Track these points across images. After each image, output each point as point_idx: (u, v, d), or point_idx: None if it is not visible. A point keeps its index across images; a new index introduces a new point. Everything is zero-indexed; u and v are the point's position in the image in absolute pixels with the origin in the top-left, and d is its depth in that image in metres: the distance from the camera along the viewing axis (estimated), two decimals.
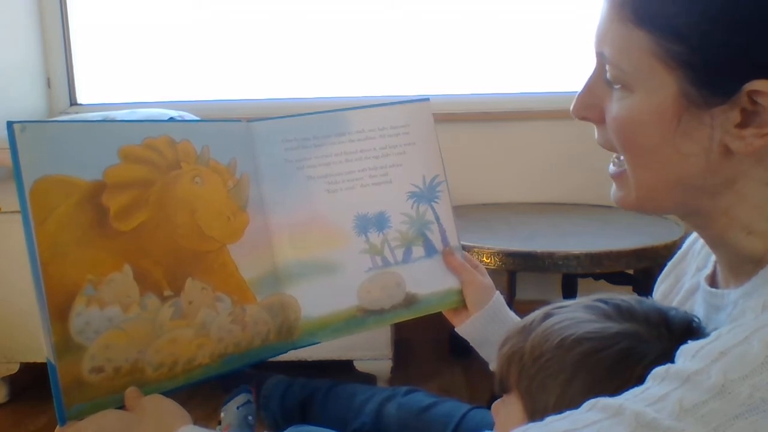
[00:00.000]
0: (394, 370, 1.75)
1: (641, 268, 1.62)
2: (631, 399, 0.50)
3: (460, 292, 0.92)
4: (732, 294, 0.59)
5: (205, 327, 0.78)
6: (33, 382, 1.76)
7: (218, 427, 0.91)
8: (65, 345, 0.69)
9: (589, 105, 0.61)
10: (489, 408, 0.71)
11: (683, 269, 0.75)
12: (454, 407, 0.95)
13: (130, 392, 0.72)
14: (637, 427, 0.47)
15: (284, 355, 0.87)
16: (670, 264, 0.78)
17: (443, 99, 2.07)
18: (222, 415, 0.92)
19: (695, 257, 0.73)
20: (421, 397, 0.98)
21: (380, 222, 0.90)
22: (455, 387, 1.80)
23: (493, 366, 0.79)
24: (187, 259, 0.77)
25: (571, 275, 1.89)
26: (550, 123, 2.04)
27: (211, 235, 0.79)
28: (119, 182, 0.73)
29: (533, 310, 0.67)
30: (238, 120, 0.86)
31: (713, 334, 0.51)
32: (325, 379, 1.08)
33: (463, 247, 0.95)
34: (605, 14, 0.58)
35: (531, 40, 2.08)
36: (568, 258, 1.47)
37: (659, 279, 0.79)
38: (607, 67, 0.58)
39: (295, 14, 2.12)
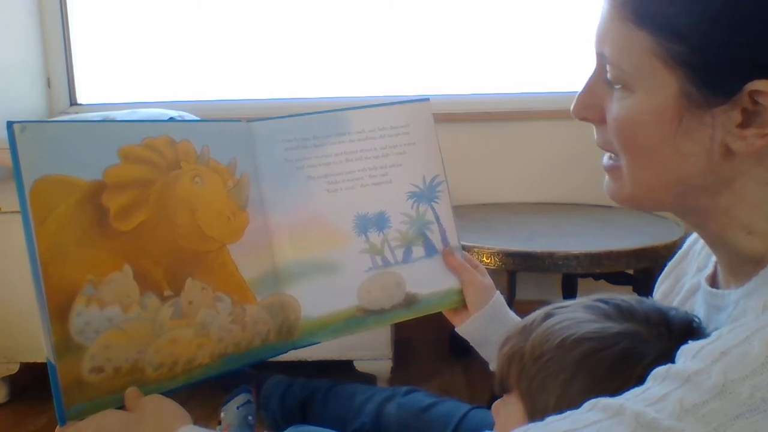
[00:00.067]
0: (394, 370, 1.75)
1: (641, 268, 1.62)
2: (632, 399, 0.50)
3: (460, 292, 0.92)
4: (732, 294, 0.59)
5: (205, 327, 0.78)
6: (33, 382, 1.76)
7: (218, 427, 0.91)
8: (65, 345, 0.69)
9: (590, 105, 0.61)
10: (489, 408, 0.71)
11: (684, 269, 0.75)
12: (454, 407, 0.95)
13: (130, 392, 0.72)
14: (637, 427, 0.47)
15: (284, 355, 0.87)
16: (670, 264, 0.78)
17: (443, 99, 2.07)
18: (222, 415, 0.92)
19: (696, 257, 0.73)
20: (421, 397, 0.98)
21: (380, 222, 0.90)
22: (455, 387, 1.80)
23: (493, 366, 0.79)
24: (187, 259, 0.77)
25: (571, 275, 1.89)
26: (550, 123, 2.04)
27: (211, 235, 0.79)
28: (119, 182, 0.73)
29: (533, 310, 0.67)
30: (238, 120, 0.86)
31: (714, 335, 0.51)
32: (325, 379, 1.08)
33: (463, 247, 0.95)
34: (605, 14, 0.58)
35: (531, 40, 2.08)
36: (568, 258, 1.47)
37: (659, 279, 0.79)
38: (608, 67, 0.58)
39: (295, 14, 2.12)
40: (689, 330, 0.60)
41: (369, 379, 1.74)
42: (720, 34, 0.52)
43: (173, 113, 1.75)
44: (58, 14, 2.15)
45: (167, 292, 0.75)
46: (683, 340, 0.54)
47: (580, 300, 0.66)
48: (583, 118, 0.63)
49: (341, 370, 1.68)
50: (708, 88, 0.53)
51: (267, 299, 0.84)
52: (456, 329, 0.94)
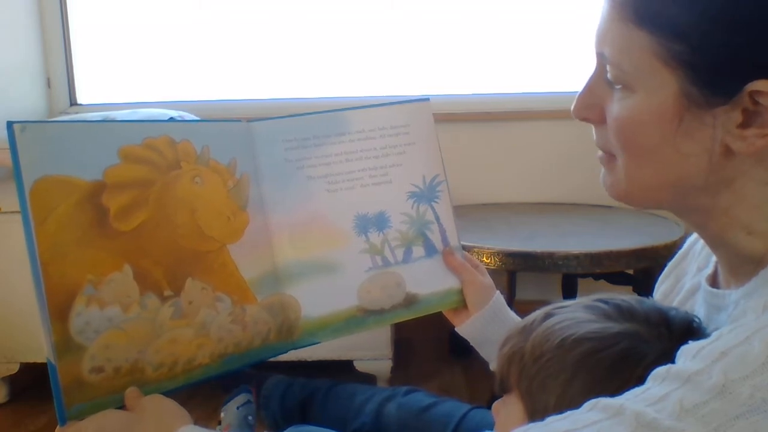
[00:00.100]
0: (394, 370, 1.75)
1: (641, 268, 1.62)
2: (632, 399, 0.50)
3: (461, 292, 0.92)
4: (733, 294, 0.59)
5: (205, 327, 0.78)
6: (33, 382, 1.76)
7: (218, 427, 0.91)
8: (65, 345, 0.69)
9: (590, 105, 0.61)
10: (489, 408, 0.71)
11: (684, 269, 0.75)
12: (454, 407, 0.95)
13: (130, 392, 0.72)
14: (637, 427, 0.47)
15: (284, 355, 0.87)
16: (670, 264, 0.78)
17: (443, 99, 2.07)
18: (222, 415, 0.92)
19: (696, 257, 0.73)
20: (421, 397, 0.98)
21: (380, 222, 0.90)
22: (455, 387, 1.80)
23: (493, 366, 0.79)
24: (187, 259, 0.77)
25: (571, 275, 1.89)
26: (550, 123, 2.04)
27: (211, 235, 0.79)
28: (119, 182, 0.73)
29: (533, 310, 0.67)
30: (238, 120, 0.86)
31: (714, 335, 0.51)
32: (325, 379, 1.08)
33: (463, 247, 0.95)
34: (606, 14, 0.58)
35: (531, 40, 2.08)
36: (568, 258, 1.47)
37: (660, 279, 0.79)
38: (608, 67, 0.58)
39: (295, 14, 2.12)
40: (689, 330, 0.60)
41: (369, 379, 1.74)
42: (720, 34, 0.52)
43: (173, 113, 1.75)
44: (58, 14, 2.15)
45: (167, 292, 0.75)
46: (683, 341, 0.53)
47: (580, 300, 0.66)
48: (584, 119, 0.63)
49: (341, 370, 1.68)
50: (708, 88, 0.53)
51: (267, 299, 0.84)
52: (456, 329, 0.94)
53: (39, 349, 0.71)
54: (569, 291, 1.93)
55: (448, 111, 2.01)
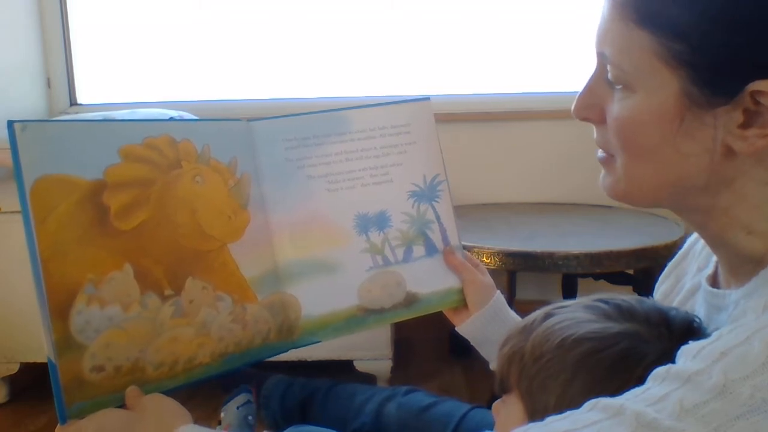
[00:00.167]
0: (394, 370, 1.75)
1: (641, 268, 1.62)
2: (632, 399, 0.50)
3: (461, 292, 0.92)
4: (733, 294, 0.59)
5: (206, 326, 0.78)
6: (33, 382, 1.76)
7: (218, 427, 0.91)
8: (66, 343, 0.69)
9: (590, 105, 0.61)
10: (489, 408, 0.71)
11: (684, 269, 0.75)
12: (454, 407, 0.95)
13: (131, 391, 0.72)
14: (637, 428, 0.47)
15: (284, 354, 0.87)
16: (670, 264, 0.78)
17: (444, 99, 2.07)
18: (222, 415, 0.92)
19: (696, 257, 0.73)
20: (421, 397, 0.98)
21: (381, 221, 0.90)
22: (455, 387, 1.80)
23: (493, 365, 0.79)
24: (188, 258, 0.77)
25: (571, 275, 1.89)
26: (550, 123, 2.04)
27: (212, 234, 0.79)
28: (120, 181, 0.73)
29: (533, 310, 0.67)
30: (239, 119, 0.86)
31: (714, 335, 0.51)
32: (325, 379, 1.08)
33: (464, 247, 0.95)
34: (606, 14, 0.58)
35: (531, 40, 2.08)
36: (568, 258, 1.47)
37: (660, 279, 0.79)
38: (609, 67, 0.58)
39: (295, 14, 2.12)
40: (690, 330, 0.60)
41: (369, 379, 1.74)
42: (720, 34, 0.52)
43: (173, 113, 1.75)
44: (58, 14, 2.15)
45: (168, 291, 0.75)
46: (684, 341, 0.54)
47: (580, 300, 0.66)
48: (584, 119, 0.63)
49: (341, 370, 1.68)
50: (709, 88, 0.53)
51: (267, 298, 0.84)
52: (456, 328, 0.94)
53: (39, 349, 0.71)
54: (569, 291, 1.93)
55: (448, 111, 2.01)
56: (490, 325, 0.90)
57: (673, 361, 0.51)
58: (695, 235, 0.74)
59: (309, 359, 1.63)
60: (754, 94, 0.52)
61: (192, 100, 2.12)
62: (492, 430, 0.68)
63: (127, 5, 2.16)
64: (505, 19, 2.08)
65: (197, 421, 0.71)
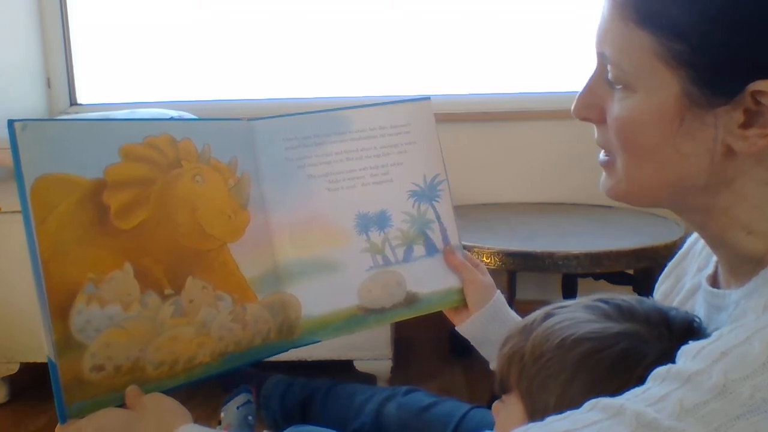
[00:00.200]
0: (394, 369, 1.75)
1: (641, 268, 1.62)
2: (632, 399, 0.50)
3: (461, 291, 0.92)
4: (733, 294, 0.59)
5: (206, 325, 0.78)
6: (33, 382, 1.76)
7: (218, 427, 0.91)
8: (66, 343, 0.69)
9: (590, 105, 0.61)
10: (489, 408, 0.71)
11: (684, 269, 0.75)
12: (454, 407, 0.95)
13: (131, 390, 0.72)
14: (637, 427, 0.47)
15: (284, 354, 0.87)
16: (670, 264, 0.78)
17: (443, 99, 2.07)
18: (222, 415, 0.92)
19: (696, 257, 0.73)
20: (421, 397, 0.98)
21: (381, 221, 0.90)
22: (455, 387, 1.80)
23: (493, 365, 0.79)
24: (188, 258, 0.77)
25: (571, 275, 1.89)
26: (550, 123, 2.04)
27: (212, 234, 0.79)
28: (120, 180, 0.73)
29: (533, 310, 0.67)
30: (239, 118, 0.86)
31: (714, 335, 0.51)
32: (325, 379, 1.08)
33: (464, 247, 0.95)
34: (606, 14, 0.58)
35: (531, 40, 2.08)
36: (568, 258, 1.47)
37: (660, 279, 0.79)
38: (609, 67, 0.58)
39: (295, 14, 2.12)
40: (690, 330, 0.60)
41: (369, 379, 1.74)
42: (720, 34, 0.52)
43: (173, 113, 1.75)
44: (58, 14, 2.15)
45: (168, 291, 0.75)
46: (684, 341, 0.53)
47: (580, 300, 0.66)
48: (584, 118, 0.63)
49: (341, 370, 1.68)
50: (709, 88, 0.53)
51: (268, 298, 0.84)
52: (456, 328, 0.94)
53: (39, 349, 0.71)
54: (569, 291, 1.93)
55: (448, 111, 2.01)
56: (490, 325, 0.90)
57: (673, 361, 0.51)
58: (695, 235, 0.74)
59: (309, 359, 1.63)
60: (754, 94, 0.52)
61: (192, 100, 2.12)
62: (492, 430, 0.68)
63: (127, 5, 2.16)
64: (505, 19, 2.08)
65: (197, 420, 0.71)
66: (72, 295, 0.69)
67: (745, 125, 0.53)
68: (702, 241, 0.69)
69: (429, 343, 2.02)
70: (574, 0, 2.04)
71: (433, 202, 0.92)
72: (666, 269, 0.79)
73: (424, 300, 0.91)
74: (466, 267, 0.92)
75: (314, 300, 0.86)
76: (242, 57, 2.15)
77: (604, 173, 0.63)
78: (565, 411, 0.53)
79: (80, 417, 0.69)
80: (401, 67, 2.12)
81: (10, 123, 0.67)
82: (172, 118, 1.62)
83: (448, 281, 0.92)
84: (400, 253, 0.90)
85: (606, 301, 0.63)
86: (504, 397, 0.66)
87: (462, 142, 2.06)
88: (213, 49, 2.16)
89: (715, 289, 0.63)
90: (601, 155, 0.63)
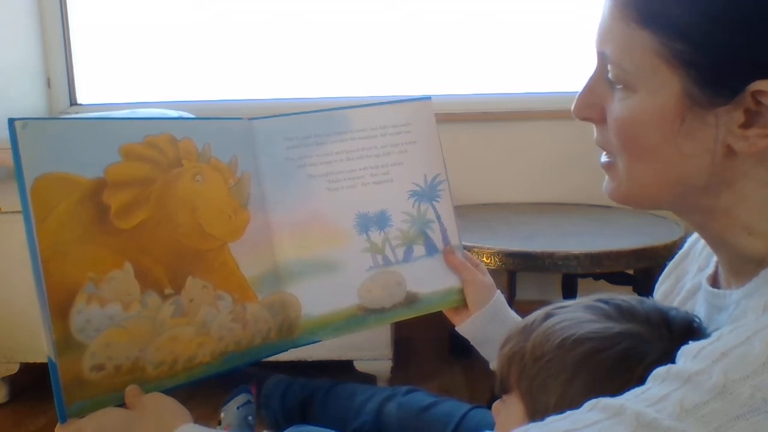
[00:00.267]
0: (394, 370, 1.75)
1: (641, 268, 1.62)
2: (632, 399, 0.50)
3: (461, 291, 0.92)
4: (733, 294, 0.59)
5: (206, 325, 0.78)
6: (33, 382, 1.76)
7: (218, 427, 0.91)
8: (66, 342, 0.69)
9: (591, 105, 0.61)
10: (489, 408, 0.71)
11: (684, 269, 0.75)
12: (454, 407, 0.95)
13: (131, 390, 0.72)
14: (637, 428, 0.47)
15: (284, 354, 0.87)
16: (671, 264, 0.78)
17: (444, 99, 2.07)
18: (222, 415, 0.92)
19: (696, 257, 0.73)
20: (422, 397, 0.98)
21: (381, 220, 0.90)
22: (455, 387, 1.80)
23: (493, 365, 0.79)
24: (188, 257, 0.77)
25: (571, 275, 1.89)
26: (551, 123, 2.04)
27: (212, 234, 0.79)
28: (120, 180, 0.73)
29: (533, 310, 0.67)
30: (240, 118, 0.86)
31: (714, 335, 0.51)
32: (325, 379, 1.08)
33: (464, 247, 0.95)
34: (607, 13, 0.57)
35: (532, 40, 2.08)
36: (568, 258, 1.47)
37: (660, 279, 0.79)
38: (609, 66, 0.58)
39: (295, 14, 2.12)
40: (690, 330, 0.60)
41: (369, 379, 1.73)
42: (721, 34, 0.52)
43: (173, 113, 1.75)
44: (58, 14, 2.15)
45: (168, 291, 0.75)
46: (684, 341, 0.53)
47: (581, 300, 0.66)
48: (584, 118, 0.63)
49: (341, 370, 1.68)
50: (710, 87, 0.53)
51: (268, 298, 0.84)
52: (456, 328, 0.94)
53: (39, 349, 0.71)
54: (569, 291, 1.93)
55: (448, 111, 2.01)
56: (490, 325, 0.90)
57: (673, 362, 0.51)
58: (695, 235, 0.74)
59: (309, 359, 1.63)
60: (755, 94, 0.52)
61: (192, 100, 2.12)
62: (492, 430, 0.68)
63: (127, 5, 2.16)
64: (506, 19, 2.09)
65: (197, 420, 0.71)
66: (72, 294, 0.69)
67: (746, 125, 0.53)
68: (702, 241, 0.69)
69: (429, 343, 2.02)
70: (574, 0, 2.03)
71: (434, 202, 0.92)
72: (666, 269, 0.79)
73: (424, 300, 0.91)
74: (466, 267, 0.92)
75: (314, 300, 0.86)
76: (242, 57, 2.15)
77: (606, 176, 0.63)
78: (566, 411, 0.52)
79: (80, 417, 0.69)
80: (401, 67, 2.12)
81: (11, 121, 0.67)
82: (172, 118, 1.62)
83: (448, 281, 0.92)
84: (400, 253, 0.90)
85: (606, 302, 0.63)
86: (504, 397, 0.66)
87: (462, 142, 2.06)
88: (213, 49, 2.16)
89: (715, 290, 0.63)
90: (603, 157, 0.63)
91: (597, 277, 1.81)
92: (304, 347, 0.87)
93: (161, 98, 2.15)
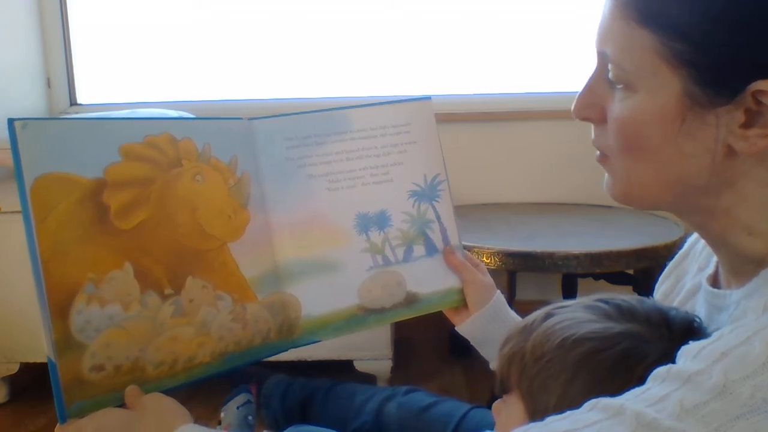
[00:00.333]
0: (394, 369, 1.75)
1: (641, 268, 1.62)
2: (632, 399, 0.50)
3: (461, 291, 0.92)
4: (734, 294, 0.59)
5: (206, 325, 0.78)
6: (33, 382, 1.76)
7: (218, 427, 0.91)
8: (66, 343, 0.69)
9: (591, 105, 0.61)
10: (489, 408, 0.71)
11: (684, 269, 0.75)
12: (454, 407, 0.95)
13: (131, 390, 0.72)
14: (637, 428, 0.47)
15: (284, 354, 0.87)
16: (671, 264, 0.78)
17: (444, 99, 2.07)
18: (222, 415, 0.92)
19: (697, 257, 0.73)
20: (422, 397, 0.98)
21: (381, 221, 0.90)
22: (455, 387, 1.80)
23: (493, 365, 0.79)
24: (188, 258, 0.77)
25: (571, 275, 1.89)
26: (551, 123, 2.04)
27: (212, 234, 0.79)
28: (120, 180, 0.73)
29: (533, 310, 0.67)
30: (240, 118, 0.86)
31: (714, 335, 0.51)
32: (325, 379, 1.08)
33: (464, 247, 0.95)
34: (607, 13, 0.57)
35: (532, 40, 2.08)
36: (568, 258, 1.47)
37: (660, 279, 0.79)
38: (610, 66, 0.58)
39: (295, 14, 2.12)
40: (690, 330, 0.60)
41: (369, 379, 1.73)
42: (721, 34, 0.52)
43: (173, 113, 1.75)
44: (58, 14, 2.15)
45: (168, 291, 0.75)
46: (684, 341, 0.53)
47: (581, 300, 0.66)
48: (584, 118, 0.63)
49: (341, 370, 1.68)
50: (711, 87, 0.53)
51: (268, 298, 0.84)
52: (456, 328, 0.94)
53: (39, 349, 0.71)
54: (569, 291, 1.93)
55: (448, 111, 2.01)
56: (490, 325, 0.90)
57: (673, 362, 0.51)
58: (696, 235, 0.74)
59: (309, 359, 1.63)
60: (755, 94, 0.52)
61: (192, 100, 2.12)
62: (492, 430, 0.68)
63: (127, 5, 2.16)
64: (506, 19, 2.08)
65: (197, 420, 0.71)
66: (72, 294, 0.69)
67: (746, 125, 0.53)
68: (702, 241, 0.69)
69: (429, 343, 2.02)
70: (574, 0, 2.03)
71: (433, 202, 0.92)
72: (666, 269, 0.79)
73: (424, 300, 0.91)
74: (466, 267, 0.92)
75: (314, 300, 0.86)
76: (242, 57, 2.15)
77: (606, 174, 0.63)
78: (566, 411, 0.52)
79: (80, 417, 0.69)
80: (401, 67, 2.12)
81: (11, 122, 0.67)
82: (172, 118, 1.62)
83: (448, 281, 0.92)
84: (400, 253, 0.90)
85: (606, 301, 0.63)
86: (504, 397, 0.66)
87: (462, 142, 2.06)
88: (213, 49, 2.16)
89: (715, 290, 0.63)
90: (598, 153, 0.63)
91: (597, 277, 1.81)
92: (304, 347, 0.87)
93: (161, 98, 2.15)
